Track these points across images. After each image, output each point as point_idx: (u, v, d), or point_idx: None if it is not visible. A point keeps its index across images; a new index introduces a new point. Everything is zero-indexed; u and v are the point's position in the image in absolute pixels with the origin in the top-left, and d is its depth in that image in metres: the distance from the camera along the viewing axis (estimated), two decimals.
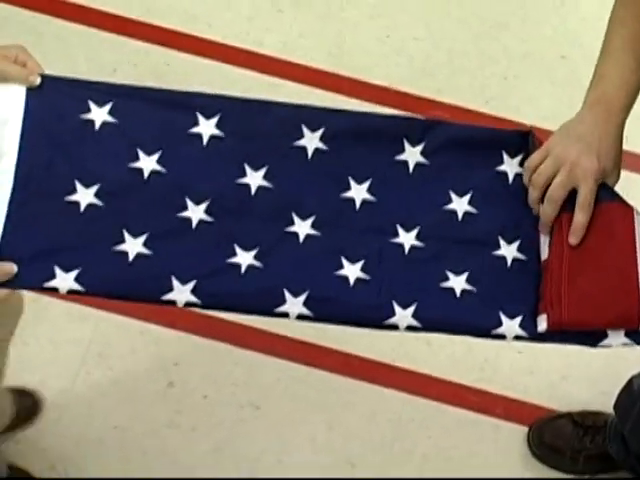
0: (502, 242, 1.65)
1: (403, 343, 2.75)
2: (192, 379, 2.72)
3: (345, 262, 1.61)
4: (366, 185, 1.65)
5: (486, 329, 1.59)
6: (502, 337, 1.60)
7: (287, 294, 1.57)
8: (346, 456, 2.65)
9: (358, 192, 1.65)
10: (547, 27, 3.34)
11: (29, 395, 2.61)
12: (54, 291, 1.55)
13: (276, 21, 3.31)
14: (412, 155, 1.67)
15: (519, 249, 1.65)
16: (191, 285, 1.56)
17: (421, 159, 1.67)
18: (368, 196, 1.65)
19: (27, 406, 2.59)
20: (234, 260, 1.59)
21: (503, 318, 1.59)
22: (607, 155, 1.59)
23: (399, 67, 3.24)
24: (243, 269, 1.59)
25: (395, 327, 1.59)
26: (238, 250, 1.59)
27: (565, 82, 3.20)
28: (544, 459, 2.66)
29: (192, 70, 3.14)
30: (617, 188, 1.61)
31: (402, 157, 1.67)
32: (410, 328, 1.59)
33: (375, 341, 2.74)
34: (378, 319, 1.59)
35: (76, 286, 1.54)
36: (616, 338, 1.57)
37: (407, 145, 1.67)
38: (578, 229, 1.58)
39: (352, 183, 1.65)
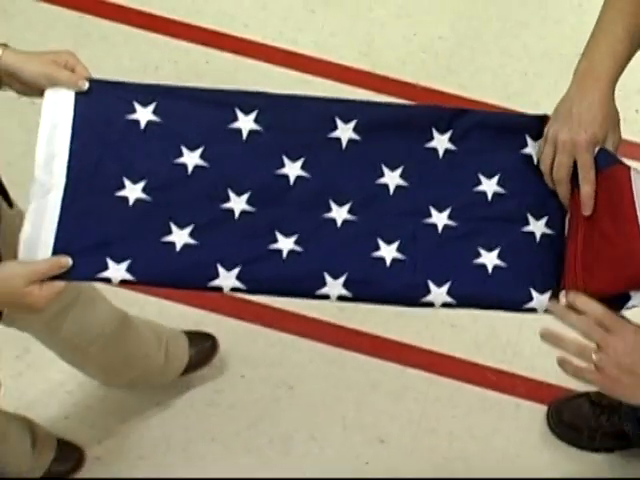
0: (531, 219, 1.68)
1: (429, 326, 2.81)
2: (230, 360, 2.77)
3: (381, 243, 1.64)
4: (399, 171, 1.68)
5: (518, 303, 1.63)
6: (533, 310, 1.64)
7: (327, 277, 1.61)
8: (375, 433, 2.70)
9: (391, 178, 1.68)
10: (565, 26, 3.38)
11: (206, 337, 2.72)
12: (107, 282, 1.59)
13: (308, 21, 3.36)
14: (441, 142, 1.69)
15: (547, 225, 1.68)
16: (236, 271, 1.60)
17: (450, 145, 1.69)
18: (401, 181, 1.68)
19: (204, 349, 2.70)
20: (276, 246, 1.62)
21: (533, 293, 1.63)
22: (593, 122, 1.59)
23: (425, 64, 3.28)
24: (284, 254, 1.62)
25: (431, 304, 1.63)
26: (279, 236, 1.63)
27: None
28: (562, 436, 2.71)
29: (230, 68, 3.19)
30: None
31: (432, 144, 1.69)
32: (445, 305, 1.63)
33: (402, 324, 2.80)
34: (414, 297, 1.63)
35: (128, 276, 1.59)
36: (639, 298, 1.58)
37: (436, 133, 1.69)
38: (586, 200, 1.60)
39: (385, 170, 1.68)
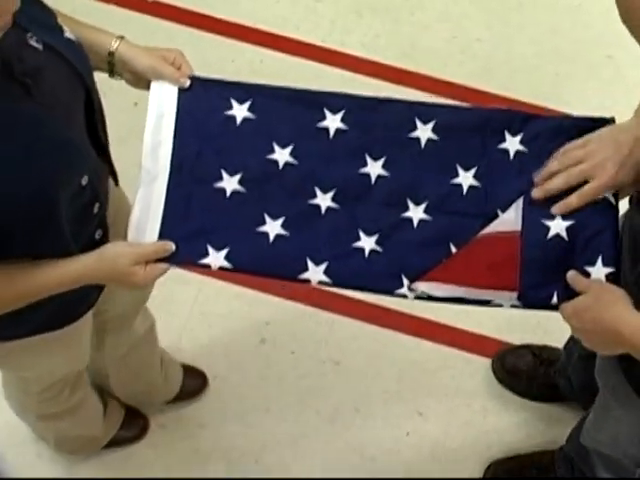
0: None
1: (466, 307, 2.72)
2: (281, 337, 2.76)
3: (362, 234, 1.61)
4: (472, 172, 1.65)
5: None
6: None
7: (404, 279, 1.59)
8: (414, 406, 2.68)
9: (465, 179, 1.65)
10: (594, 30, 3.33)
11: (198, 374, 2.67)
12: (206, 267, 1.59)
13: (355, 24, 3.33)
14: (512, 144, 1.66)
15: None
16: (323, 266, 1.59)
17: (521, 147, 1.65)
18: (474, 182, 1.65)
19: (194, 383, 2.65)
20: (359, 244, 1.61)
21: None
22: (629, 171, 1.56)
23: (463, 65, 3.25)
24: (367, 253, 1.60)
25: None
26: (362, 235, 1.61)
27: (611, 79, 3.20)
28: (503, 381, 2.69)
29: (282, 67, 3.18)
30: None
31: (503, 146, 1.66)
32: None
33: (440, 305, 2.74)
34: None
35: (225, 263, 1.59)
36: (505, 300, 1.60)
37: (508, 135, 1.66)
38: (564, 206, 1.58)
39: (460, 170, 1.65)
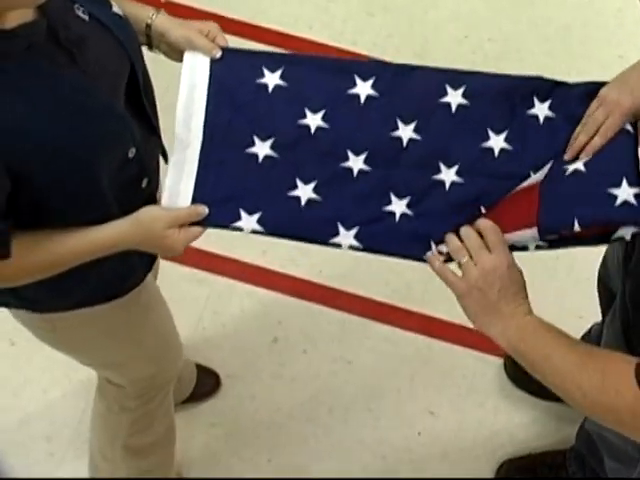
0: None
1: None
2: (293, 336, 2.77)
3: (393, 197, 1.63)
4: (503, 136, 1.65)
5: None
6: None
7: (432, 245, 1.60)
8: (426, 405, 2.68)
9: (496, 142, 1.65)
10: (606, 30, 3.33)
11: (211, 374, 2.67)
12: (238, 230, 1.61)
13: (367, 23, 3.34)
14: (541, 110, 1.66)
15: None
16: (354, 231, 1.62)
17: (549, 113, 1.65)
18: (506, 145, 1.65)
19: (207, 383, 2.66)
20: (390, 208, 1.63)
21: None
22: None
23: (475, 64, 3.19)
24: (397, 217, 1.62)
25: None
26: (393, 198, 1.63)
27: None
28: (515, 380, 2.68)
29: None
30: None
31: (533, 111, 1.66)
32: None
33: (452, 305, 2.73)
34: None
35: (258, 227, 1.62)
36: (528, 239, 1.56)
37: (536, 101, 1.66)
38: (590, 148, 1.57)
39: (491, 134, 1.65)
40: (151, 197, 1.70)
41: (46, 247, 1.51)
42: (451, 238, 1.56)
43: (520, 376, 2.65)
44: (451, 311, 2.76)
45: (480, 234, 1.54)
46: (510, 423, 2.65)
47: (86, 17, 1.48)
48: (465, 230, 1.55)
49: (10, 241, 1.45)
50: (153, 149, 1.72)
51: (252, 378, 2.69)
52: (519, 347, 1.48)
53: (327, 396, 2.69)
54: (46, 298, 1.70)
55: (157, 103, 1.74)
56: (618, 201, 1.49)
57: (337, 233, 1.61)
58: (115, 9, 1.56)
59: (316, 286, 2.82)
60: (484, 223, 1.55)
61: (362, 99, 1.67)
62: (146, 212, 1.58)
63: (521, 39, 3.32)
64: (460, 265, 1.53)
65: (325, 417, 2.65)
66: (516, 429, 2.65)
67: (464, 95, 1.66)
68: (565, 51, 3.29)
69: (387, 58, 3.16)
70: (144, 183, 1.65)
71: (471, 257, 1.52)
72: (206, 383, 2.64)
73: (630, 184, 1.50)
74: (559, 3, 3.42)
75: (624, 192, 1.50)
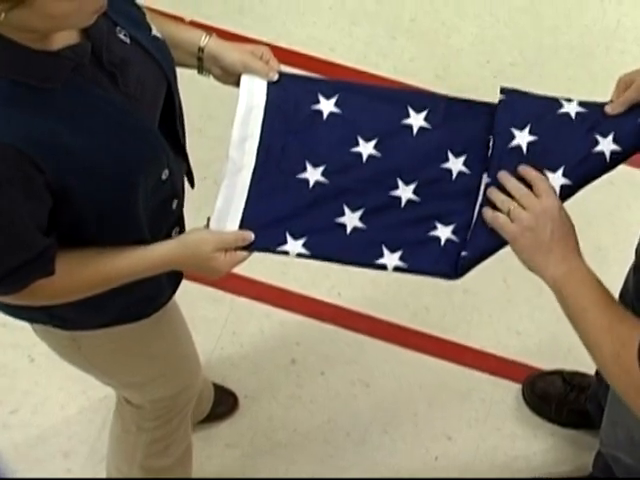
0: None
1: (497, 332, 2.78)
2: (311, 357, 2.77)
3: (438, 224, 1.65)
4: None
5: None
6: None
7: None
8: (443, 430, 2.67)
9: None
10: (629, 56, 3.33)
11: (229, 394, 2.67)
12: (284, 254, 1.63)
13: (390, 47, 3.35)
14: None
15: None
16: (399, 253, 1.63)
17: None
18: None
19: (224, 403, 2.65)
20: (434, 234, 1.65)
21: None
22: None
23: (497, 88, 3.18)
24: (442, 242, 1.65)
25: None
26: (438, 225, 1.65)
27: None
28: (533, 406, 2.67)
29: None
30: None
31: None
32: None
33: (471, 330, 2.77)
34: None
35: (303, 250, 1.63)
36: None
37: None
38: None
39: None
40: (180, 218, 1.72)
41: (92, 266, 1.53)
42: (495, 191, 1.60)
43: (538, 402, 2.65)
44: (470, 336, 2.83)
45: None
46: (528, 449, 2.64)
47: (127, 40, 1.50)
48: (508, 180, 1.60)
49: (54, 258, 1.47)
50: (180, 170, 1.73)
51: (269, 399, 2.69)
52: (562, 290, 1.52)
53: (344, 418, 2.68)
54: (76, 316, 1.70)
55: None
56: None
57: (382, 255, 1.63)
58: (154, 32, 1.58)
59: (335, 308, 2.82)
60: (530, 172, 1.60)
61: (414, 130, 1.69)
62: (194, 234, 1.60)
63: (543, 64, 3.32)
64: (509, 214, 1.57)
65: (342, 439, 2.64)
66: (534, 455, 2.63)
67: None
68: (588, 77, 3.28)
69: (409, 82, 3.21)
70: (174, 204, 1.67)
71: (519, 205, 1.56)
72: (224, 403, 2.63)
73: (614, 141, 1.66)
74: (582, 29, 3.42)
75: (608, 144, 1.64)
